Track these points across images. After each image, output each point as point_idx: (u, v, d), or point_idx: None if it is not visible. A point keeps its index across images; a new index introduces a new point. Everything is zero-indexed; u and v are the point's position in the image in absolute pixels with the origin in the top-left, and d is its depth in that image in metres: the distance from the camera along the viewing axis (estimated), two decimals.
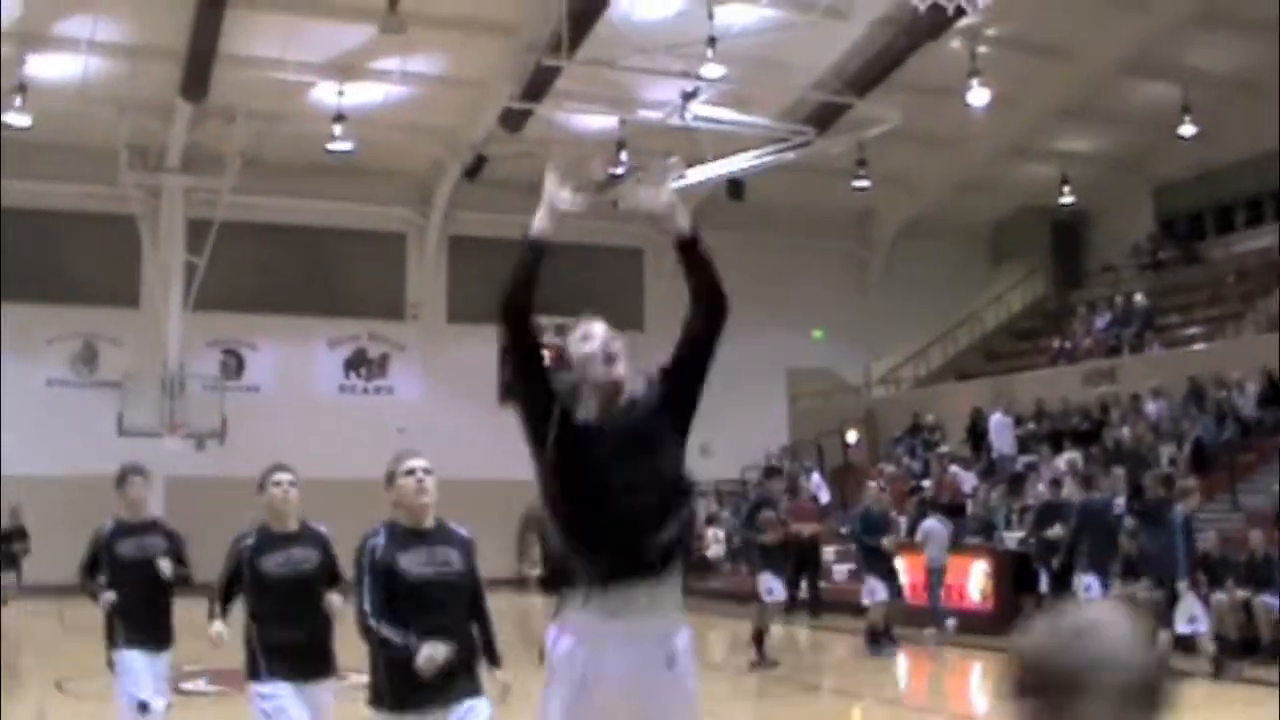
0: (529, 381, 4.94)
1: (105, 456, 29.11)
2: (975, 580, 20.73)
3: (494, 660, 6.65)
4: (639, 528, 4.76)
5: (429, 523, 6.52)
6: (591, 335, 4.95)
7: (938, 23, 23.74)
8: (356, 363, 33.85)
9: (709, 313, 4.94)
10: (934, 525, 20.38)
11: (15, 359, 30.85)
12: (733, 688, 15.98)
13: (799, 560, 22.85)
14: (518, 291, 4.86)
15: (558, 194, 4.93)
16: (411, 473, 6.50)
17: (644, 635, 4.82)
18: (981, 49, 27.36)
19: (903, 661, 18.12)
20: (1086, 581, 16.98)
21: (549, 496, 4.88)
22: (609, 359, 4.89)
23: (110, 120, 28.68)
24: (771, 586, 17.41)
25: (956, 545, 20.91)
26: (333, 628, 7.54)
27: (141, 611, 9.31)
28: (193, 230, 30.92)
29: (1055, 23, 26.81)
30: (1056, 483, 19.52)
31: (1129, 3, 25.37)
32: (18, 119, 26.75)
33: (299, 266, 32.71)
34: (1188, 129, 29.44)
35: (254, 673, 7.64)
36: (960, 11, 21.00)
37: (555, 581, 4.99)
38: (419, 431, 30.74)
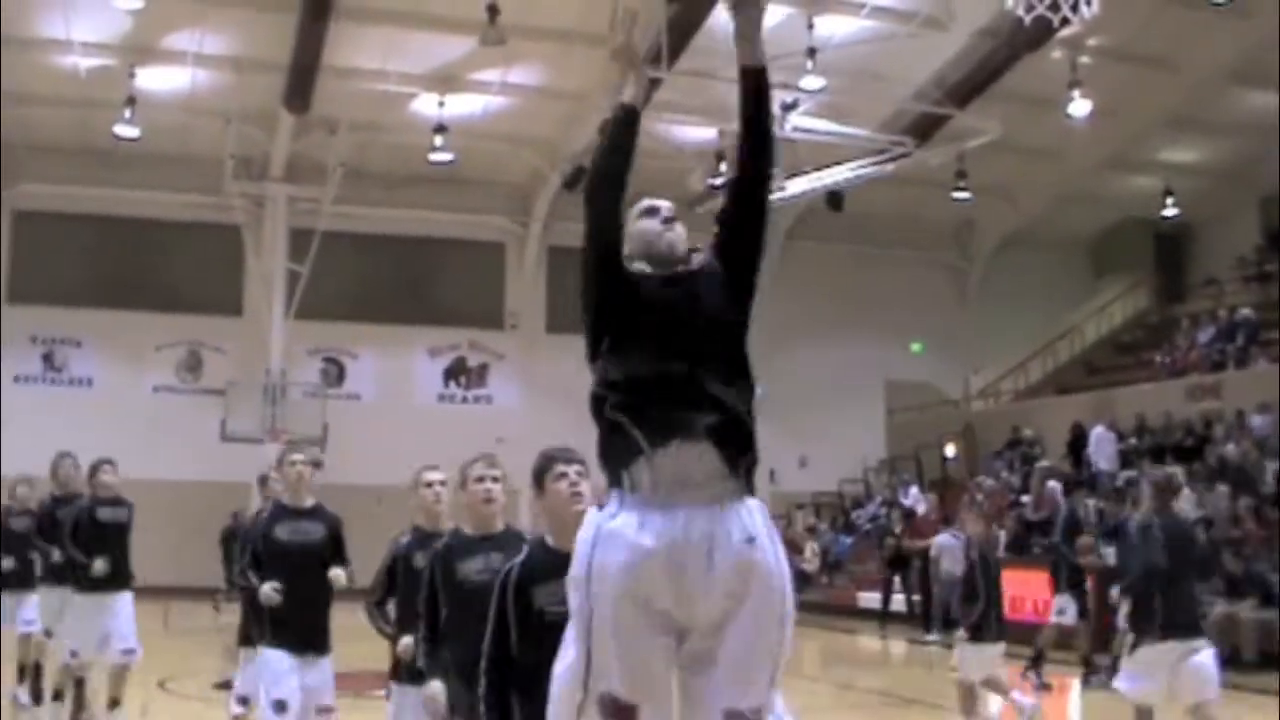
0: (602, 274, 4.71)
1: (208, 462, 29.93)
2: None
3: None
4: (699, 380, 4.30)
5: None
6: (656, 207, 4.70)
7: (1039, 33, 23.54)
8: (456, 372, 34.06)
9: (759, 150, 4.65)
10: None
11: (123, 365, 31.45)
12: (833, 699, 15.94)
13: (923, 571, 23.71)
14: (612, 156, 4.70)
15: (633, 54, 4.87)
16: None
17: (710, 506, 4.22)
18: (1083, 59, 27.12)
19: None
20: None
21: (596, 360, 4.64)
22: (668, 222, 4.65)
23: (215, 131, 29.10)
24: (1065, 608, 17.05)
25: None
26: None
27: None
28: (295, 239, 31.27)
29: (1158, 32, 26.51)
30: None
31: (1232, 12, 25.02)
32: (127, 130, 27.23)
33: (399, 276, 33.00)
34: None
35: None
36: (1065, 21, 20.79)
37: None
38: (517, 441, 30.79)
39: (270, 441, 29.78)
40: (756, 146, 4.63)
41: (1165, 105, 29.47)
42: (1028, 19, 19.47)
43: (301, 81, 26.86)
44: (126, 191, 30.42)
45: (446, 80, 27.94)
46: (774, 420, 34.12)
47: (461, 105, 28.64)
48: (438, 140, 28.31)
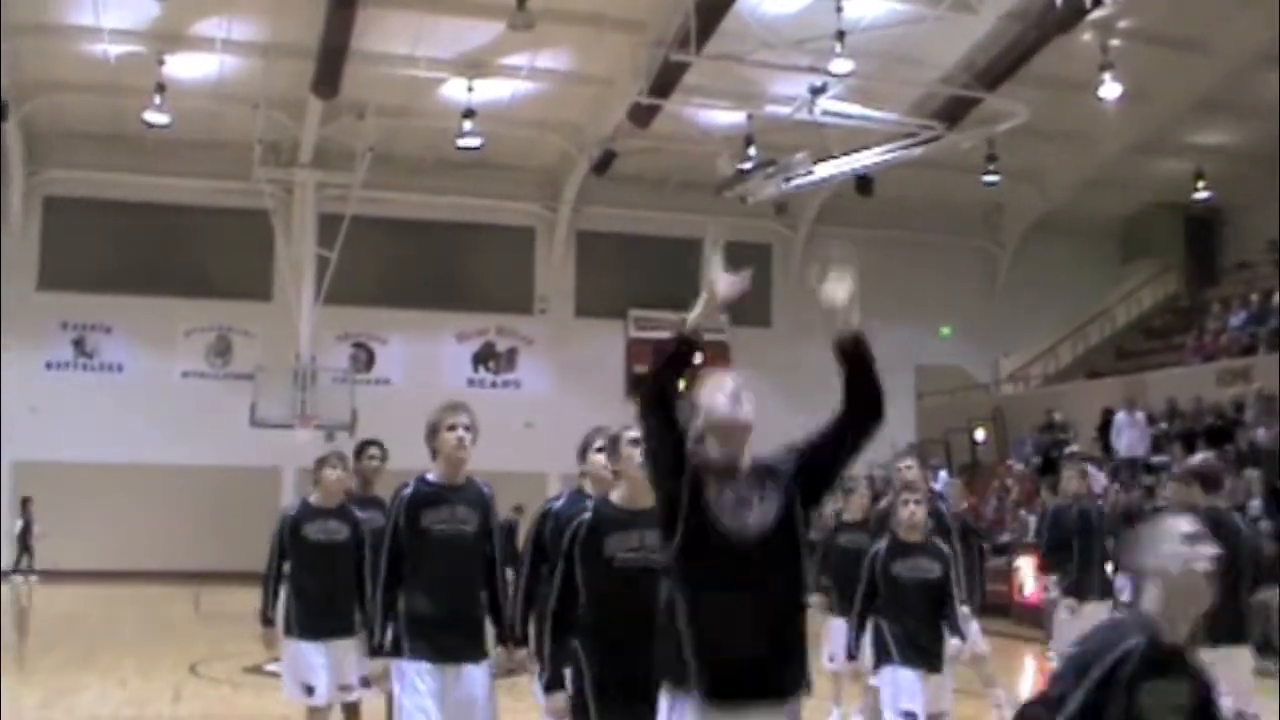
0: (664, 474, 4.67)
1: (237, 447, 30.04)
2: None
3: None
4: (758, 650, 4.48)
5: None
6: (723, 383, 4.73)
7: (1069, 16, 23.42)
8: (485, 356, 34.11)
9: (863, 421, 4.82)
10: None
11: (153, 351, 31.57)
12: None
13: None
14: (665, 386, 4.66)
15: (720, 281, 4.70)
16: (453, 428, 6.93)
17: None
18: (1113, 42, 26.92)
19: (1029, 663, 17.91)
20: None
21: (676, 581, 4.62)
22: (735, 399, 4.68)
23: (244, 117, 29.14)
24: None
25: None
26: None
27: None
28: (324, 225, 31.33)
29: (1189, 15, 26.31)
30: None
31: None
32: (157, 117, 27.29)
33: (428, 261, 33.06)
34: None
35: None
36: (1096, 3, 20.69)
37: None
38: (546, 425, 30.94)
39: (300, 427, 29.91)
40: (865, 418, 4.86)
41: (1196, 88, 29.22)
42: (1059, 0, 19.41)
43: (330, 67, 26.86)
44: (156, 178, 30.54)
45: (475, 65, 27.91)
46: (802, 405, 34.12)
47: (490, 90, 28.62)
48: (466, 125, 28.30)
